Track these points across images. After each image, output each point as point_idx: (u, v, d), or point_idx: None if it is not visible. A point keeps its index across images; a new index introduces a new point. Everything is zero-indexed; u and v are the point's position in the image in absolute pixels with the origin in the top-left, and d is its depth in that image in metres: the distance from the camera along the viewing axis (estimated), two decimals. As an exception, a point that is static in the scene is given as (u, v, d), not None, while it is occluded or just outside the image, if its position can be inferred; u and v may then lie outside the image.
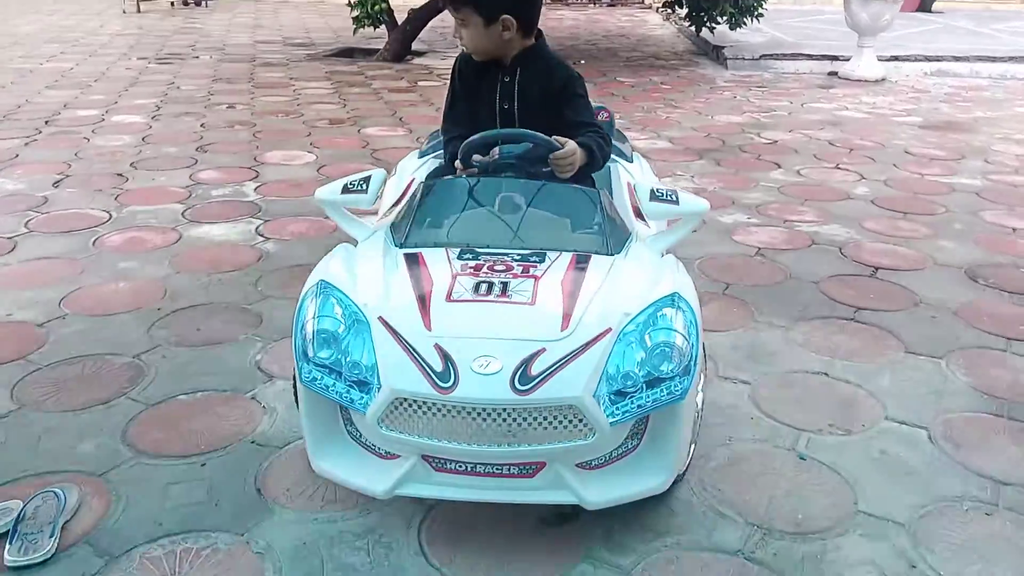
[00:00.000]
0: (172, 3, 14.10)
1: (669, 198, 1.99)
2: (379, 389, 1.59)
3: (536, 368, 1.57)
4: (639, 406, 1.62)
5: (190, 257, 3.32)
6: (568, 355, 1.59)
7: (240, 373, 2.45)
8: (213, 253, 3.37)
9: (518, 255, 1.84)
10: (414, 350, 1.60)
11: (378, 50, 8.83)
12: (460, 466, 1.64)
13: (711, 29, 8.87)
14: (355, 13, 8.01)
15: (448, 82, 2.32)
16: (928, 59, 8.59)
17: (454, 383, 1.55)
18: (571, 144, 2.04)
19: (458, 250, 1.86)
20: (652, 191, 2.01)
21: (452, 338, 1.62)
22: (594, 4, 9.04)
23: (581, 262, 1.84)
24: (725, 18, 8.40)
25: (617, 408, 1.61)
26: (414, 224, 1.95)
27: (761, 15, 8.49)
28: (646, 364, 1.64)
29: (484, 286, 1.73)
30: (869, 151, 5.27)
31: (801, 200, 4.20)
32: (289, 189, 4.21)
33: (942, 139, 5.66)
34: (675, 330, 1.69)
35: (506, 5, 2.09)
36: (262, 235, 3.57)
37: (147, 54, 8.73)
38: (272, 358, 2.54)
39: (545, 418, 1.57)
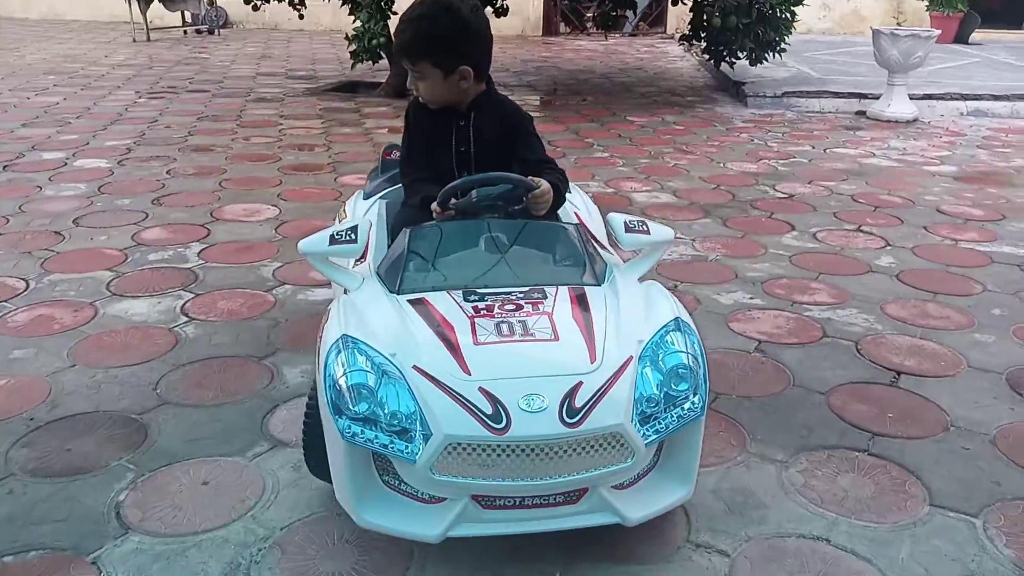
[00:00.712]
0: (185, 31, 13.91)
1: (641, 229, 2.10)
2: (427, 436, 1.61)
3: (579, 401, 1.64)
4: (667, 426, 1.73)
5: (94, 344, 2.87)
6: (603, 386, 1.68)
7: (91, 520, 1.98)
8: (122, 339, 2.92)
9: (520, 293, 1.89)
10: (460, 396, 1.63)
11: (382, 83, 8.44)
12: (509, 501, 1.69)
13: (731, 64, 8.37)
14: (352, 47, 7.62)
15: (404, 129, 2.34)
16: (964, 98, 7.99)
17: (506, 424, 1.60)
18: (545, 183, 2.09)
19: (460, 292, 1.89)
20: (625, 223, 2.09)
21: (493, 380, 1.65)
22: (614, 34, 8.55)
23: (579, 295, 1.91)
24: (745, 53, 7.89)
25: (648, 430, 1.71)
26: (405, 270, 1.95)
27: (783, 50, 7.97)
28: (664, 386, 1.74)
29: (505, 327, 1.78)
30: (897, 209, 4.72)
31: (815, 274, 3.67)
32: (236, 253, 3.76)
33: (979, 194, 5.09)
34: (686, 352, 1.80)
35: (463, 57, 2.14)
36: (186, 314, 3.12)
37: (141, 87, 8.42)
38: (141, 496, 2.06)
39: (591, 446, 1.65)
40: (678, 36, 13.26)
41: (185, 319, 3.09)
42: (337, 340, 1.74)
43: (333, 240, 1.98)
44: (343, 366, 1.70)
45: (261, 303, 3.23)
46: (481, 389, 1.63)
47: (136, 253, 3.75)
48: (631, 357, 1.74)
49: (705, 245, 4.04)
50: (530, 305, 1.85)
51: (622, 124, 7.13)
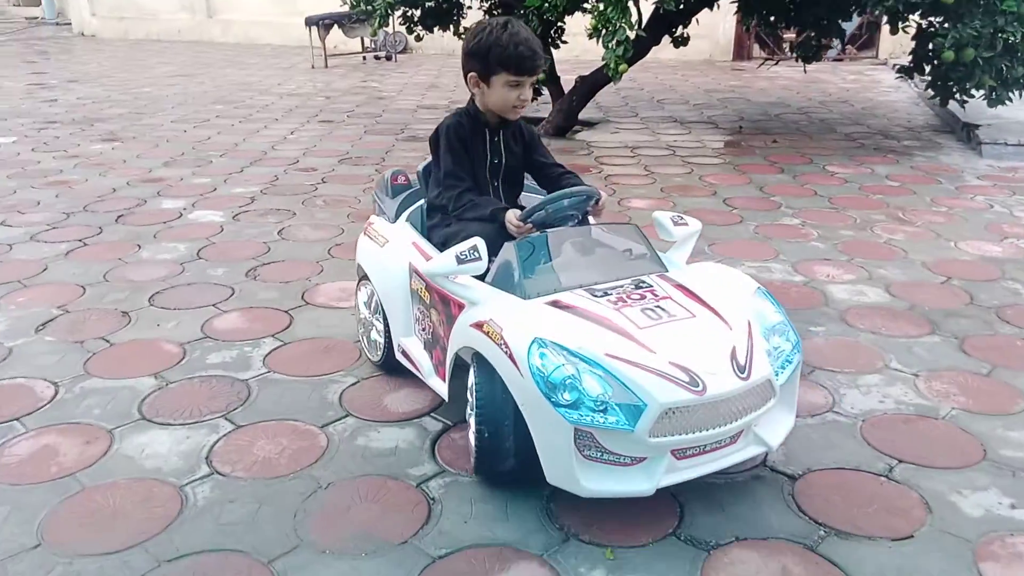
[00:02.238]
0: (364, 58, 13.84)
1: (683, 222, 2.57)
2: (638, 408, 1.92)
3: (740, 360, 2.04)
4: (784, 369, 2.18)
5: (79, 508, 2.20)
6: (748, 345, 2.10)
7: None
8: (116, 501, 2.22)
9: (630, 285, 2.27)
10: (659, 371, 1.96)
11: (543, 119, 7.65)
12: (695, 450, 2.04)
13: (962, 103, 6.86)
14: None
15: (441, 147, 2.63)
16: None
17: (703, 387, 1.95)
18: (604, 193, 2.60)
19: (582, 291, 2.22)
20: (672, 219, 2.56)
21: (677, 354, 1.99)
22: (813, 60, 7.30)
23: (673, 281, 2.31)
24: (982, 92, 6.40)
25: (778, 372, 2.15)
26: (523, 279, 2.24)
27: (1035, 88, 6.40)
28: (772, 337, 2.21)
29: (651, 312, 2.13)
30: None
31: (1114, 459, 2.43)
32: (309, 358, 3.03)
33: None
34: (776, 311, 2.30)
35: None
36: (211, 463, 2.40)
37: (298, 121, 8.11)
38: None
39: (754, 392, 2.05)
40: (893, 65, 11.62)
41: (206, 471, 2.36)
42: (533, 342, 1.99)
43: (460, 260, 2.22)
44: (548, 364, 1.96)
45: (308, 449, 2.46)
46: (672, 363, 1.97)
47: (197, 350, 3.11)
48: (748, 320, 2.18)
49: (934, 387, 2.86)
50: (649, 293, 2.22)
51: (820, 176, 5.90)
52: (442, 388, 2.51)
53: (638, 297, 2.19)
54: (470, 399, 2.28)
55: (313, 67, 12.64)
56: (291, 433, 2.55)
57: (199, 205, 5.11)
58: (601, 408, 1.92)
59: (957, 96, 6.82)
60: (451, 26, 7.94)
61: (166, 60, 13.53)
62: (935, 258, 4.19)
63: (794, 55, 7.42)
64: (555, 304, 2.16)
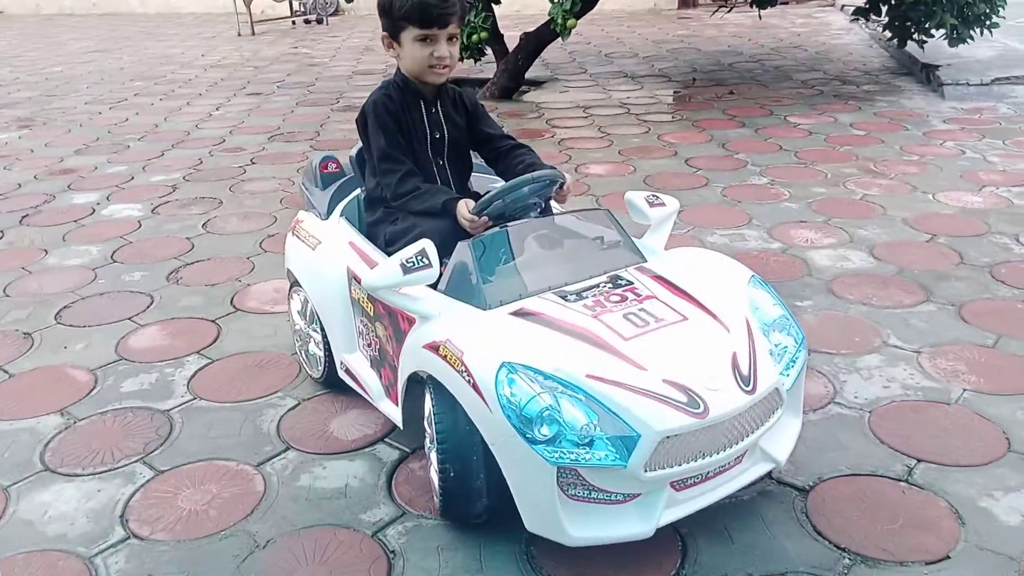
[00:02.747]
0: (293, 22, 13.15)
1: (659, 202, 2.25)
2: (630, 439, 1.61)
3: (743, 369, 1.75)
4: (793, 367, 1.88)
5: (-38, 598, 1.81)
6: (749, 349, 1.80)
7: None
8: (7, 586, 1.85)
9: (605, 283, 1.95)
10: (651, 392, 1.65)
11: (488, 81, 7.22)
12: (696, 478, 1.74)
13: (921, 44, 6.62)
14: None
15: (369, 128, 2.24)
16: None
17: (704, 407, 1.64)
18: (568, 176, 2.20)
19: (551, 295, 1.91)
20: (647, 199, 2.23)
21: (671, 370, 1.69)
22: (768, 5, 6.97)
23: (654, 274, 2.00)
24: (943, 31, 6.15)
25: (784, 376, 1.84)
26: (480, 284, 1.91)
27: (996, 26, 6.17)
28: (772, 334, 1.90)
29: (635, 318, 1.83)
30: None
31: None
32: (239, 378, 2.65)
33: None
34: (775, 303, 2.00)
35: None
36: (125, 522, 2.02)
37: (224, 95, 7.55)
38: None
39: (762, 406, 1.76)
40: (843, 6, 11.42)
41: (120, 535, 1.98)
42: (501, 367, 1.67)
43: (407, 269, 1.87)
44: (520, 394, 1.65)
45: (242, 496, 2.09)
46: (666, 381, 1.67)
47: (110, 377, 2.70)
48: (746, 318, 1.89)
49: (940, 366, 2.59)
50: (630, 293, 1.92)
51: (782, 129, 5.61)
52: (395, 413, 2.17)
53: (618, 299, 1.89)
54: (428, 429, 1.95)
55: (239, 35, 11.95)
56: (221, 477, 2.18)
57: (114, 198, 4.62)
58: (586, 442, 1.62)
59: (915, 36, 6.60)
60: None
61: (80, 36, 12.68)
62: (915, 213, 3.93)
63: (747, 0, 7.06)
64: (521, 314, 1.85)
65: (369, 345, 2.27)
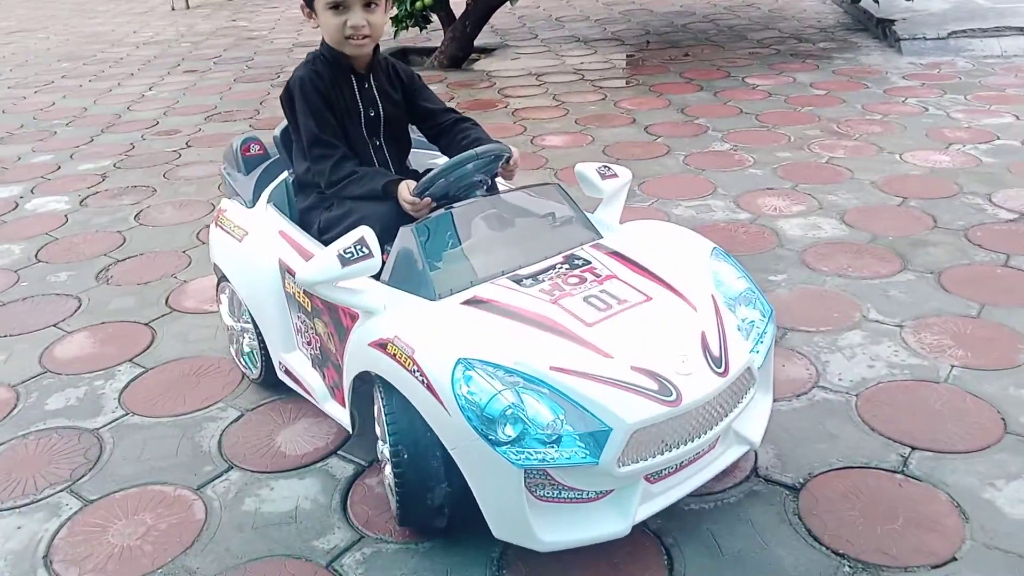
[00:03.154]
0: (230, -7, 12.59)
1: (611, 174, 2.11)
2: (600, 433, 1.49)
3: (713, 349, 1.63)
4: (760, 345, 1.76)
5: None
6: (718, 328, 1.69)
7: None
8: (-90, 652, 1.62)
9: (561, 264, 1.83)
10: (619, 381, 1.53)
11: (435, 50, 6.94)
12: (670, 468, 1.64)
13: (876, -2, 6.49)
14: (393, 11, 6.09)
15: (297, 107, 2.05)
16: None
17: (677, 394, 1.53)
18: (515, 149, 2.04)
19: (505, 279, 1.78)
20: (599, 171, 2.10)
21: (638, 355, 1.58)
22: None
23: (612, 251, 1.89)
24: (899, -16, 6.03)
25: (754, 353, 1.73)
26: (427, 272, 1.75)
27: (952, -24, 6.05)
28: (738, 308, 1.80)
29: (596, 301, 1.71)
30: None
31: None
32: (178, 386, 2.42)
33: None
34: (740, 276, 1.89)
35: None
36: (49, 566, 1.80)
37: (157, 73, 7.16)
38: None
39: (735, 387, 1.65)
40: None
41: (39, 584, 1.76)
42: (455, 366, 1.53)
43: (345, 260, 1.67)
44: (480, 393, 1.51)
45: (180, 526, 1.88)
46: (635, 368, 1.56)
47: (33, 393, 2.46)
48: (712, 295, 1.78)
49: (924, 341, 2.46)
50: (587, 273, 1.80)
51: (741, 91, 5.45)
52: (342, 416, 1.99)
53: (576, 280, 1.77)
54: (379, 430, 1.79)
55: (173, 8, 11.42)
56: (157, 504, 1.96)
57: (39, 191, 4.29)
58: (553, 440, 1.49)
59: (870, -9, 6.46)
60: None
61: (2, 14, 12.01)
62: (883, 176, 3.81)
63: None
64: (474, 303, 1.71)
65: (309, 343, 2.10)
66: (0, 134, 5.46)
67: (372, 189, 1.97)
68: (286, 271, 2.06)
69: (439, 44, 6.86)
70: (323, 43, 2.08)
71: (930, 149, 4.12)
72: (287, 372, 2.19)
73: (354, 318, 1.82)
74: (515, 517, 1.54)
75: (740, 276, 1.89)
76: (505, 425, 1.49)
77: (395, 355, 1.61)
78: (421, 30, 6.47)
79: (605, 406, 1.50)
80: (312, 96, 2.02)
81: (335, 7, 1.97)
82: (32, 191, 4.28)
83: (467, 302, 1.71)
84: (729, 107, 5.10)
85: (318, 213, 2.10)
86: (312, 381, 2.09)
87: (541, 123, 4.98)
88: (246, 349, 2.37)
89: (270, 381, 2.31)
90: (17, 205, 4.09)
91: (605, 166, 2.13)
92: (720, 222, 3.41)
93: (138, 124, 5.50)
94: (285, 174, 2.29)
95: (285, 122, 2.19)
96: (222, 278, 2.37)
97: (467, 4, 6.66)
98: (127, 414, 2.33)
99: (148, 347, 2.68)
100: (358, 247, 1.69)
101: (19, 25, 10.79)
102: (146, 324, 2.83)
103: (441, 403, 1.53)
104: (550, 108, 5.32)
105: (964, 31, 6.24)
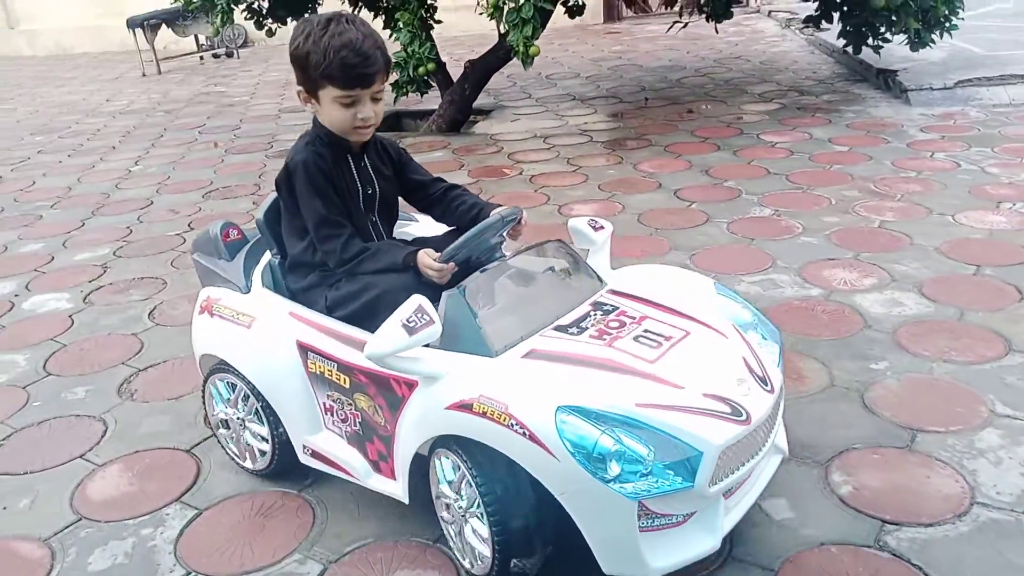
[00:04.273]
0: (201, 57, 12.36)
1: (600, 226, 2.24)
2: (691, 458, 1.60)
3: (757, 371, 1.81)
4: (778, 355, 1.97)
5: None
6: (751, 350, 1.87)
7: None
8: None
9: (594, 311, 1.94)
10: (699, 408, 1.66)
11: (432, 114, 6.73)
12: (738, 482, 1.75)
13: (876, 49, 6.44)
14: (394, 77, 5.86)
15: (299, 190, 2.03)
16: None
17: (746, 415, 1.67)
18: (522, 210, 2.13)
19: (550, 331, 1.86)
20: (590, 224, 2.23)
21: (703, 383, 1.71)
22: (724, 18, 6.71)
23: (627, 294, 2.01)
24: (905, 36, 5.98)
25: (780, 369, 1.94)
26: (482, 331, 1.81)
27: (955, 27, 6.02)
28: (749, 333, 1.97)
29: (645, 340, 1.82)
30: None
31: None
32: (239, 535, 2.09)
33: None
34: (742, 305, 2.07)
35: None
36: None
37: (140, 146, 6.84)
38: None
39: (778, 402, 1.83)
40: (769, 12, 11.39)
41: None
42: (555, 414, 1.62)
43: (411, 329, 1.72)
44: (584, 436, 1.60)
45: None
46: (706, 395, 1.69)
47: (70, 550, 2.12)
48: (731, 323, 1.96)
49: (1073, 440, 2.24)
50: (622, 317, 1.91)
51: (761, 149, 5.31)
52: (394, 488, 1.99)
53: (617, 324, 1.89)
54: (449, 496, 1.85)
55: (144, 75, 11.12)
56: None
57: (35, 286, 3.94)
58: (649, 471, 1.60)
59: (871, 42, 6.42)
60: (307, 13, 6.86)
61: (-36, 85, 11.60)
62: (944, 241, 3.63)
63: (703, 14, 6.76)
64: (535, 355, 1.79)
65: (344, 420, 2.08)
66: (-21, 221, 5.09)
67: (392, 263, 2.00)
68: (309, 351, 2.07)
69: (436, 107, 6.66)
70: (318, 124, 2.08)
71: (980, 209, 3.97)
72: (314, 454, 2.14)
73: (411, 386, 1.84)
74: (628, 549, 1.65)
75: (744, 307, 2.07)
76: (611, 462, 1.58)
77: (485, 413, 1.66)
78: (422, 95, 6.26)
79: (694, 433, 1.62)
80: (317, 178, 2.02)
81: (346, 102, 1.97)
82: (27, 287, 3.93)
83: (527, 355, 1.79)
84: (754, 167, 4.94)
85: (320, 292, 2.11)
86: (350, 459, 2.06)
87: (562, 191, 4.77)
88: (247, 440, 2.30)
89: (278, 470, 2.26)
90: (13, 305, 3.73)
91: (593, 220, 2.25)
92: (792, 300, 3.19)
93: (131, 204, 5.18)
94: (267, 257, 2.29)
95: (267, 205, 2.22)
96: (217, 369, 2.30)
97: (465, 67, 6.48)
98: (188, 573, 2.00)
99: (195, 482, 2.36)
100: (419, 315, 1.74)
101: (-17, 96, 10.39)
102: (187, 451, 2.50)
103: (548, 451, 1.60)
104: (567, 174, 5.12)
105: (970, 80, 6.21)
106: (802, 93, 6.85)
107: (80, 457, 2.52)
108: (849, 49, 6.66)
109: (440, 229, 2.35)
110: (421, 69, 5.73)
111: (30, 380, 3.02)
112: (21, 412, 2.81)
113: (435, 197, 2.27)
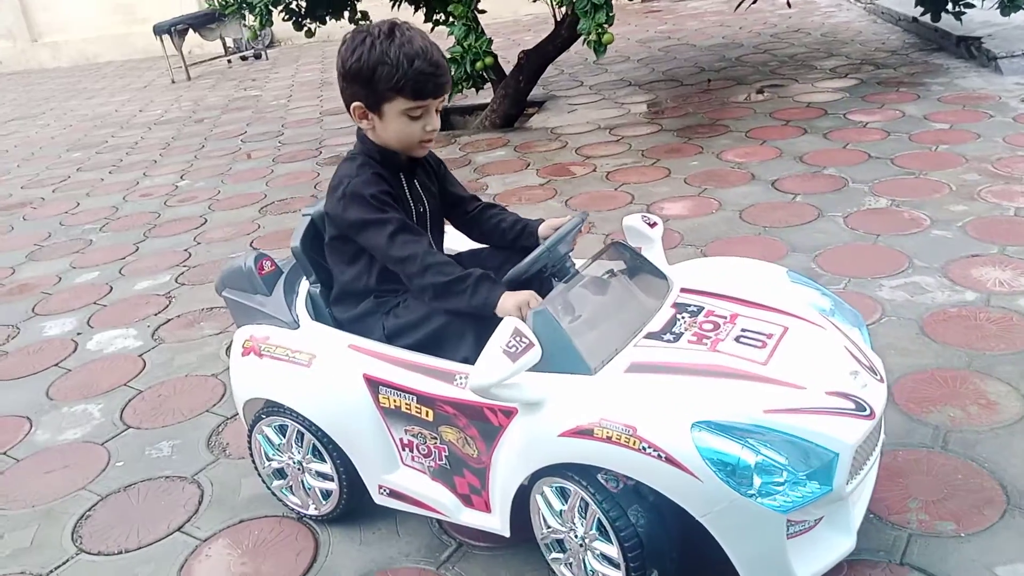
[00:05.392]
0: (229, 61, 12.09)
1: (653, 221, 2.12)
2: (827, 461, 1.54)
3: (863, 360, 1.75)
4: (868, 340, 1.93)
5: None
6: (850, 337, 1.82)
7: None
8: None
9: (681, 315, 1.85)
10: (825, 408, 1.61)
11: (484, 109, 6.40)
12: (855, 476, 1.66)
13: (958, 16, 6.00)
14: (451, 73, 5.52)
15: (362, 215, 1.88)
16: None
17: (869, 409, 1.63)
18: (583, 213, 2.10)
19: (642, 340, 1.77)
20: (647, 221, 2.12)
21: (822, 381, 1.66)
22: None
23: (701, 292, 1.92)
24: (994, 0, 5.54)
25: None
26: (576, 351, 1.70)
27: (1050, -13, 5.56)
28: (836, 315, 1.92)
29: (749, 340, 1.74)
30: None
31: None
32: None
33: None
34: (822, 294, 2.00)
35: None
36: None
37: (185, 158, 6.57)
38: None
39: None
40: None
41: None
42: (691, 430, 1.54)
43: (513, 356, 1.59)
44: (724, 452, 1.52)
45: None
46: (828, 392, 1.64)
47: (185, 652, 1.82)
48: (817, 312, 1.88)
49: None
50: (713, 317, 1.83)
51: (852, 131, 4.91)
52: (494, 521, 1.85)
53: (711, 326, 1.79)
54: (561, 529, 1.76)
55: (174, 81, 10.86)
56: None
57: (97, 322, 3.67)
58: (788, 480, 1.52)
59: (950, 8, 5.98)
60: (347, 12, 6.55)
61: (-7, 101, 11.43)
62: (1097, 228, 3.25)
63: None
64: (638, 368, 1.69)
65: (428, 455, 1.94)
66: (27, 247, 4.84)
67: (485, 305, 1.80)
68: (381, 385, 1.92)
69: (487, 102, 6.32)
70: (366, 141, 1.96)
71: None
72: (392, 493, 2.00)
73: (509, 414, 1.73)
74: (776, 562, 1.58)
75: (822, 293, 1.99)
76: (752, 477, 1.51)
77: (610, 438, 1.57)
78: (478, 91, 5.92)
79: (826, 434, 1.56)
80: (383, 197, 1.90)
81: (415, 113, 1.87)
82: (89, 323, 3.66)
83: (629, 369, 1.69)
84: (852, 152, 4.55)
85: (376, 319, 2.00)
86: (437, 496, 1.93)
87: (646, 188, 4.42)
88: (311, 482, 2.13)
89: (343, 512, 2.12)
90: (77, 345, 3.46)
91: (645, 215, 2.15)
92: (947, 306, 2.83)
93: (184, 224, 4.90)
94: (307, 286, 2.16)
95: (301, 231, 2.10)
96: (268, 412, 2.12)
97: (519, 58, 6.13)
98: None
99: (315, 558, 2.05)
100: (518, 339, 1.62)
101: (14, 111, 10.19)
102: (298, 519, 2.20)
103: (689, 472, 1.51)
104: (646, 168, 4.76)
105: (1066, 44, 5.76)
106: (877, 67, 6.42)
107: (179, 530, 2.23)
108: (926, 17, 6.22)
109: (465, 242, 2.26)
110: (479, 64, 5.38)
111: (108, 435, 2.74)
112: (104, 475, 2.53)
113: (473, 215, 2.19)
